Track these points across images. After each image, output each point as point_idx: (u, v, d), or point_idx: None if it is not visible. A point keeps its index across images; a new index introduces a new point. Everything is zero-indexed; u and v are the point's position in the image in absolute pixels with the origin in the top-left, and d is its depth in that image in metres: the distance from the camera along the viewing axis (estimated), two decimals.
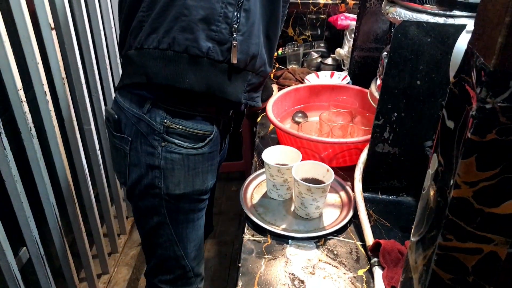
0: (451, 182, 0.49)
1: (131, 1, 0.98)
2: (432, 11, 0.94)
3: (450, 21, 0.91)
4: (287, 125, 1.30)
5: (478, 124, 0.44)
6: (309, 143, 1.11)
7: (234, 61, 0.94)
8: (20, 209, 1.28)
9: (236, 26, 0.92)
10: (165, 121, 0.98)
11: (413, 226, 0.65)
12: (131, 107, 1.01)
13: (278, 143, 1.23)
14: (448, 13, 0.92)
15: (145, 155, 1.02)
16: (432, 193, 0.58)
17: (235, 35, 0.93)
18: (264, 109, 1.32)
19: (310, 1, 1.85)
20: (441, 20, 0.92)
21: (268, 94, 1.34)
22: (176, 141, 1.00)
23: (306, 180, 0.97)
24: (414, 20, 0.94)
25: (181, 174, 1.03)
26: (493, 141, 0.44)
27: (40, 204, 1.43)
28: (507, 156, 0.45)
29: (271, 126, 1.34)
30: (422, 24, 0.89)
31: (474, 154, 0.45)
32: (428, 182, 0.60)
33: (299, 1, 1.87)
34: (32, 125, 1.29)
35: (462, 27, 0.89)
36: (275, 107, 1.27)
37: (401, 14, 0.98)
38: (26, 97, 1.26)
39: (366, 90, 1.27)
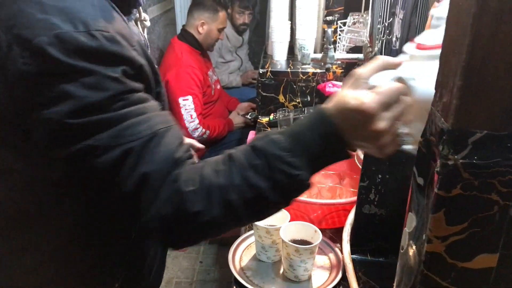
0: (424, 236, 0.50)
1: None
2: None
3: None
4: None
5: (443, 180, 0.46)
6: (298, 205, 1.12)
7: None
8: None
9: None
10: None
11: (394, 286, 0.65)
12: None
13: None
14: None
15: None
16: (411, 251, 0.59)
17: None
18: None
19: (300, 70, 1.94)
20: None
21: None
22: None
23: (294, 241, 0.97)
24: None
25: None
26: (459, 196, 0.46)
27: None
28: (474, 211, 0.47)
29: None
30: None
31: (442, 209, 0.47)
32: (405, 241, 0.61)
33: (289, 70, 1.97)
34: None
35: None
36: None
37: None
38: None
39: (354, 153, 1.31)
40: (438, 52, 0.57)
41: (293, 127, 0.68)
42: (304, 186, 0.66)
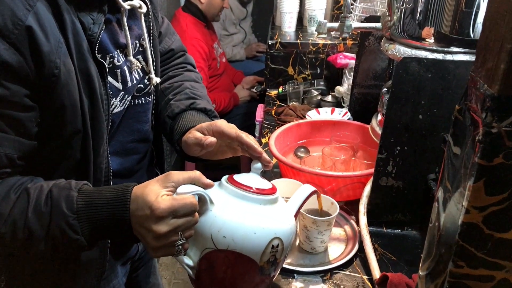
0: (460, 207, 0.49)
1: None
2: (431, 47, 0.97)
3: (449, 57, 0.94)
4: (290, 160, 1.30)
5: (484, 148, 0.45)
6: (312, 177, 1.11)
7: None
8: None
9: None
10: None
11: (421, 260, 0.65)
12: None
13: (280, 177, 1.23)
14: (446, 49, 0.95)
15: None
16: (441, 224, 0.58)
17: None
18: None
19: (310, 42, 1.90)
20: (439, 56, 0.95)
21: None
22: None
23: (310, 213, 0.97)
24: (414, 56, 0.97)
25: None
26: (500, 165, 0.45)
27: None
28: None
29: (273, 160, 1.35)
30: (422, 60, 0.92)
31: (482, 178, 0.46)
32: (435, 215, 0.60)
33: (299, 41, 1.93)
34: None
35: (461, 63, 0.92)
36: (277, 142, 1.28)
37: (400, 50, 1.01)
38: None
39: (367, 126, 1.29)
40: (241, 191, 0.71)
41: (95, 193, 0.69)
42: (80, 248, 0.69)
